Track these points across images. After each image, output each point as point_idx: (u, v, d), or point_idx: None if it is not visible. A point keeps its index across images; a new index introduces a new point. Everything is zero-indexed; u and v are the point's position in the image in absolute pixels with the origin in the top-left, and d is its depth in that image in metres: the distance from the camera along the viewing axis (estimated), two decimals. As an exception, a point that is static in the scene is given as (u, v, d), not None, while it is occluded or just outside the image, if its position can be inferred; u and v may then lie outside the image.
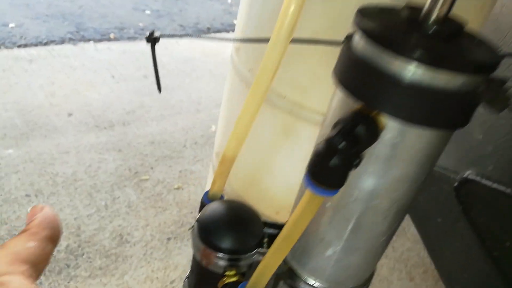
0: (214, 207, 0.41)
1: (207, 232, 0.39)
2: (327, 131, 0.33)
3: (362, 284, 0.40)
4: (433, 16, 0.26)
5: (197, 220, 0.40)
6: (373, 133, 0.26)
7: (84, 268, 1.16)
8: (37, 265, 0.24)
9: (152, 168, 1.56)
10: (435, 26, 0.26)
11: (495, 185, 0.72)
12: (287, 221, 0.31)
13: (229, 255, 0.39)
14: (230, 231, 0.39)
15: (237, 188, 0.50)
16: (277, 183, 0.50)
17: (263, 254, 0.40)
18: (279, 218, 0.45)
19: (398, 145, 0.28)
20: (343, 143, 0.25)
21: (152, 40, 0.44)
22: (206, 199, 0.46)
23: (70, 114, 1.74)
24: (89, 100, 1.85)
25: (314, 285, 0.38)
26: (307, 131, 0.44)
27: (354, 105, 0.29)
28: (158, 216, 1.37)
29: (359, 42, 0.27)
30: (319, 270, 0.38)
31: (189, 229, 0.42)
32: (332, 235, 0.34)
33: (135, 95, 1.95)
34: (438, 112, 0.25)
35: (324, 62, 0.41)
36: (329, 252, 0.36)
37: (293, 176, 0.48)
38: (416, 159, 0.29)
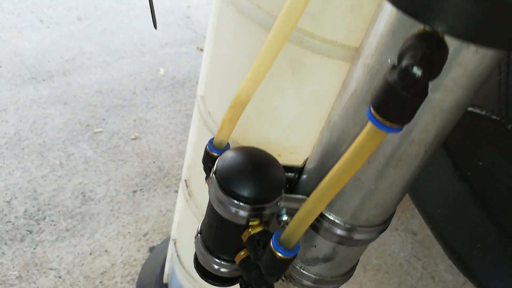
0: (231, 155, 0.37)
1: (229, 181, 0.36)
2: (371, 62, 0.29)
3: (384, 222, 0.39)
4: None
5: (216, 170, 0.36)
6: (445, 58, 0.23)
7: (49, 232, 1.09)
8: None
9: (104, 119, 1.45)
10: None
11: (470, 108, 0.73)
12: (334, 163, 0.29)
13: (254, 204, 0.36)
14: (254, 178, 0.36)
15: (233, 133, 0.46)
16: (279, 125, 0.47)
17: (287, 200, 0.38)
18: (281, 161, 0.42)
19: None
20: (421, 72, 0.22)
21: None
22: (212, 148, 0.42)
23: (-2, 67, 1.55)
24: (19, 49, 1.65)
25: (336, 221, 0.37)
26: (318, 65, 0.40)
27: (409, 30, 0.26)
28: (119, 169, 1.30)
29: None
30: (345, 209, 0.36)
31: (207, 180, 0.38)
32: (370, 173, 0.32)
33: (71, 40, 1.76)
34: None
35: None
36: (363, 191, 0.34)
37: (298, 116, 0.45)
38: (469, 84, 0.27)
